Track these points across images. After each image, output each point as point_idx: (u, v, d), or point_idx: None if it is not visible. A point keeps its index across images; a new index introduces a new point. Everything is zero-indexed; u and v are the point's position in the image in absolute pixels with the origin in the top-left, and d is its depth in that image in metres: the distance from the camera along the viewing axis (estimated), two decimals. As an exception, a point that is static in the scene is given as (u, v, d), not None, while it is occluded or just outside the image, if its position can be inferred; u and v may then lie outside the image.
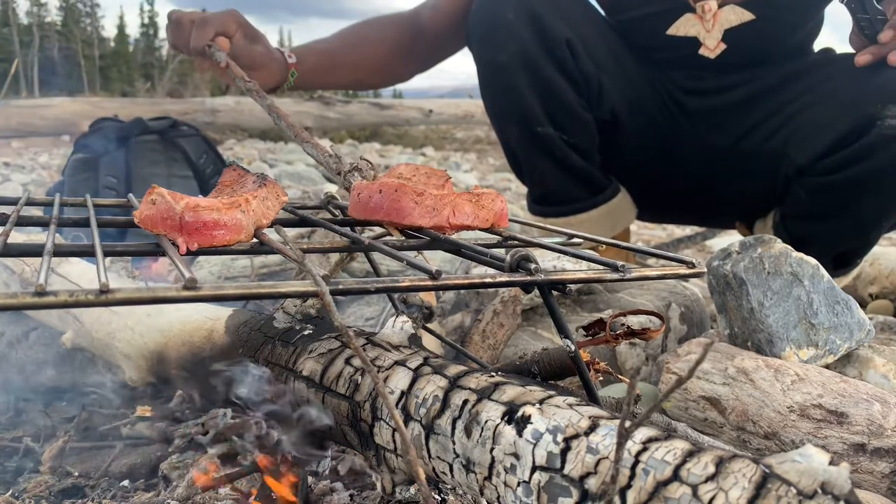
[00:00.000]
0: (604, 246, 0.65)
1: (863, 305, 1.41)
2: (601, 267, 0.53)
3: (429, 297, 0.75)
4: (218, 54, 1.13)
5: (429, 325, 0.76)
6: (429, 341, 0.76)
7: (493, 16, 1.29)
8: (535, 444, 0.42)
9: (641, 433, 0.39)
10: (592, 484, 0.39)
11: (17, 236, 0.90)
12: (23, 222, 0.58)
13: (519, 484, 0.43)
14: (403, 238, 0.62)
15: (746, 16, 1.26)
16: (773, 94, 1.30)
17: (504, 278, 0.49)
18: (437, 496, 0.67)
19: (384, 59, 1.43)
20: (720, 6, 1.27)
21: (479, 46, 1.33)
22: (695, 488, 0.35)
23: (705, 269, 0.57)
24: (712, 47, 1.30)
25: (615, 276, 0.52)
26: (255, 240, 0.55)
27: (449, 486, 0.66)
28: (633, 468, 0.37)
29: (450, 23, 1.43)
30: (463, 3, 1.40)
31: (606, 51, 1.34)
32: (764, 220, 1.39)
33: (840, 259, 1.29)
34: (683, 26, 1.30)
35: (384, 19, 1.50)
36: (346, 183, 0.74)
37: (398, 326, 0.65)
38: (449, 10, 1.43)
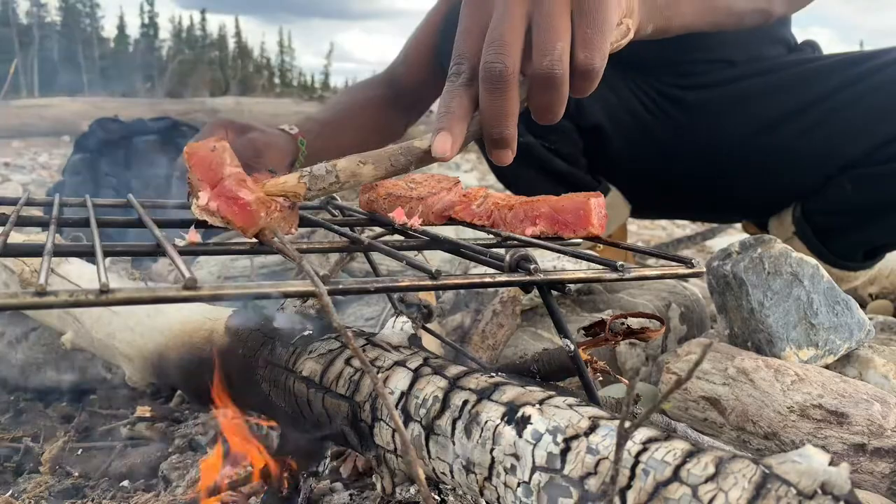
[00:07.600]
0: (602, 246, 0.65)
1: (863, 305, 1.41)
2: (600, 267, 0.53)
3: (429, 297, 0.75)
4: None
5: (428, 325, 0.76)
6: (428, 341, 0.76)
7: None
8: (534, 445, 0.42)
9: (641, 433, 0.39)
10: (592, 484, 0.39)
11: (17, 236, 0.90)
12: (23, 222, 0.58)
13: (519, 484, 0.43)
14: (403, 238, 0.62)
15: None
16: (793, 90, 1.28)
17: (503, 278, 0.49)
18: (436, 496, 0.67)
19: (381, 116, 1.44)
20: None
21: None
22: (695, 489, 0.35)
23: (704, 269, 0.57)
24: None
25: (614, 275, 0.52)
26: (254, 239, 0.55)
27: (449, 487, 0.66)
28: (632, 469, 0.37)
29: (425, 70, 1.43)
30: (428, 46, 1.40)
31: None
32: (779, 216, 1.37)
33: (870, 251, 1.29)
34: None
35: (363, 83, 1.51)
36: None
37: (398, 327, 0.65)
38: (418, 58, 1.43)
